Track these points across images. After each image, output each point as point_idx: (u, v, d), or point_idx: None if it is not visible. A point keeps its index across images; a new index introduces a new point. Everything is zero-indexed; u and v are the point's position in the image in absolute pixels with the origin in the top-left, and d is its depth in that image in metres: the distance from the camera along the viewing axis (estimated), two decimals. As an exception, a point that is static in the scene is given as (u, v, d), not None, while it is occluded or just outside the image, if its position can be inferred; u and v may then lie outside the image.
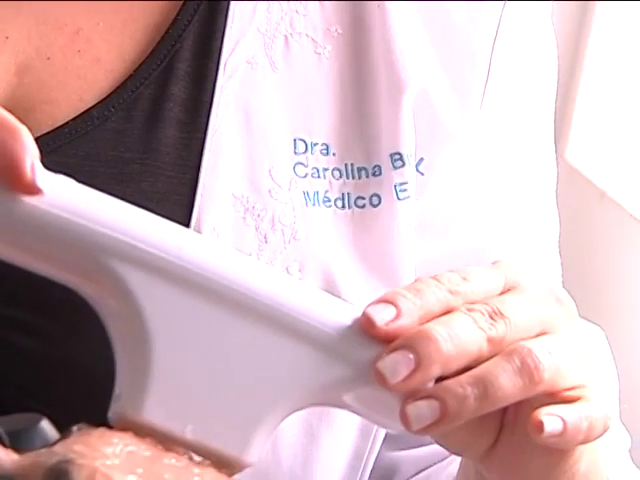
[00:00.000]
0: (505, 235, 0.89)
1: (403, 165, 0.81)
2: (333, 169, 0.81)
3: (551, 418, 0.59)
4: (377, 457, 0.84)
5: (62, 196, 0.59)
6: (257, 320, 0.59)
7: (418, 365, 0.57)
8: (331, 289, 0.78)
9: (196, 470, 0.55)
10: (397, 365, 0.57)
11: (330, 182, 0.81)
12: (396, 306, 0.58)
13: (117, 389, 0.58)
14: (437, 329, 0.58)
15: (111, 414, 0.57)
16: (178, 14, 0.81)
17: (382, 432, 0.84)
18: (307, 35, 0.82)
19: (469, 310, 0.60)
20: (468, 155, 0.85)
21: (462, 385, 0.58)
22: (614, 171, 1.87)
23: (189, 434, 0.56)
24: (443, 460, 0.86)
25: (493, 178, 0.88)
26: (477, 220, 0.87)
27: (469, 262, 0.81)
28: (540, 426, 0.58)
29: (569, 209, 1.06)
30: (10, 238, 0.59)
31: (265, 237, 0.79)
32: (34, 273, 0.60)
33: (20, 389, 0.81)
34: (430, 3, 0.84)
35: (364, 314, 0.58)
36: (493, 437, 0.64)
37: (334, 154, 0.81)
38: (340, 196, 0.81)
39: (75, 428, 0.54)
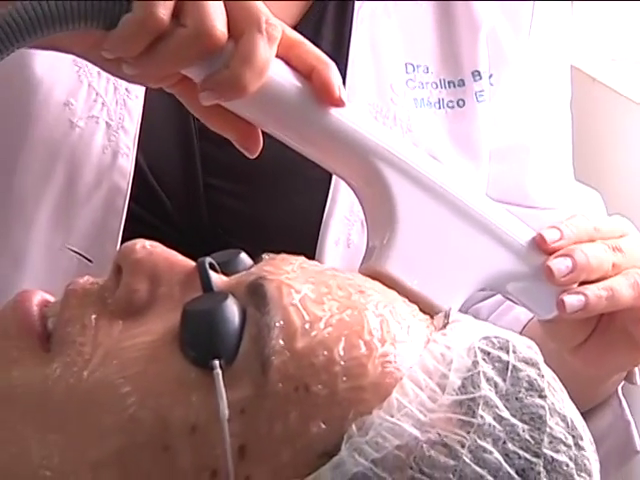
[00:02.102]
0: (540, 135, 1.02)
1: (480, 79, 0.96)
2: (432, 82, 0.95)
3: (577, 297, 0.72)
4: None
5: (353, 112, 0.71)
6: (470, 222, 0.71)
7: (573, 268, 0.71)
8: None
9: (352, 275, 0.61)
10: (561, 266, 0.71)
11: (430, 91, 0.95)
12: (561, 232, 0.73)
13: (368, 250, 0.70)
14: (586, 249, 0.72)
15: (363, 268, 0.68)
16: None
17: None
18: None
19: (602, 243, 0.74)
20: (520, 72, 0.98)
21: (599, 288, 0.72)
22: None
23: (415, 286, 0.66)
24: (503, 304, 0.99)
25: (535, 91, 1.01)
26: (523, 120, 1.00)
27: (517, 155, 1.00)
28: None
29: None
30: (307, 133, 0.70)
31: (390, 129, 0.91)
32: (243, 156, 0.73)
33: (226, 232, 0.91)
34: None
35: (539, 234, 0.72)
36: (586, 335, 0.76)
37: (432, 72, 0.95)
38: (437, 100, 0.95)
39: (264, 256, 0.60)
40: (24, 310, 0.59)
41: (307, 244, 0.91)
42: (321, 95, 0.68)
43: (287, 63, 0.69)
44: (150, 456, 0.53)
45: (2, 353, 0.58)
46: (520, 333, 0.86)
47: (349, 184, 0.73)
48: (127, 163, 0.88)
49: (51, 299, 0.61)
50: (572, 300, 0.72)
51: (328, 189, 0.91)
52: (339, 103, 0.68)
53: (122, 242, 0.87)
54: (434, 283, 0.67)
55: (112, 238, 0.89)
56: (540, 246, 0.73)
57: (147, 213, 0.90)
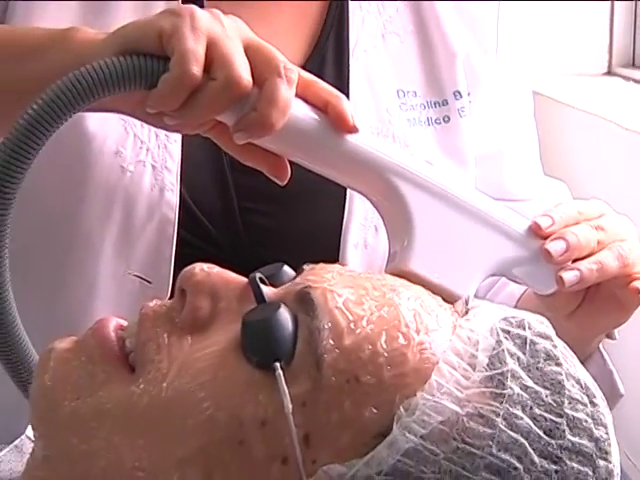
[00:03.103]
0: (512, 140, 1.00)
1: (461, 97, 0.93)
2: (420, 104, 0.92)
3: (573, 272, 0.71)
4: None
5: (365, 136, 0.68)
6: (475, 218, 0.70)
7: (567, 249, 0.70)
8: None
9: (381, 276, 0.60)
10: (557, 247, 0.70)
11: (420, 112, 0.92)
12: (552, 219, 0.72)
13: (391, 255, 0.68)
14: (575, 230, 0.72)
15: (389, 269, 0.67)
16: (323, 27, 0.91)
17: None
18: (395, 33, 0.92)
19: (587, 224, 0.73)
20: (492, 89, 0.96)
21: (590, 263, 0.72)
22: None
23: (436, 279, 0.64)
24: (498, 282, 0.95)
25: (504, 104, 0.98)
26: (498, 129, 0.98)
27: (495, 159, 0.98)
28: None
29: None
30: (329, 159, 0.68)
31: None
32: (269, 180, 0.70)
33: (261, 246, 0.88)
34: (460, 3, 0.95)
35: (534, 222, 0.72)
36: (578, 303, 0.75)
37: (420, 96, 0.92)
38: (426, 119, 0.92)
39: (305, 266, 0.58)
40: (104, 336, 0.56)
41: (330, 249, 0.88)
42: (337, 124, 0.66)
43: (305, 100, 0.66)
44: (228, 451, 0.51)
45: (90, 377, 0.55)
46: (515, 306, 0.86)
47: (369, 199, 0.71)
48: (173, 197, 0.86)
49: (124, 323, 0.58)
50: (569, 276, 0.71)
51: (344, 201, 0.88)
52: (354, 130, 0.66)
53: (175, 264, 0.86)
54: (451, 275, 0.65)
55: (166, 261, 0.86)
56: (536, 232, 0.71)
57: (193, 237, 0.87)
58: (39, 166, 0.80)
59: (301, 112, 0.66)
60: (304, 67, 0.86)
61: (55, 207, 0.86)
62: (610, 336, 0.82)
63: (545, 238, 0.71)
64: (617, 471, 0.56)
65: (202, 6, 0.82)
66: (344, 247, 0.88)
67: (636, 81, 1.74)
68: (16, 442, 0.64)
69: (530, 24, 1.02)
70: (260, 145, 0.67)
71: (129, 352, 0.56)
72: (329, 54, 0.91)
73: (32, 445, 0.60)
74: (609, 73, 1.86)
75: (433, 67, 0.93)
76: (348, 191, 0.89)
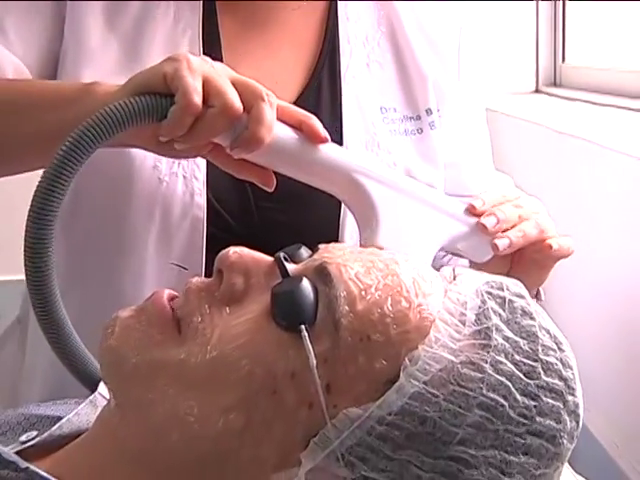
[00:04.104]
0: (471, 146, 0.98)
1: (432, 113, 0.90)
2: (399, 118, 0.89)
3: (504, 240, 0.72)
4: None
5: (333, 147, 0.68)
6: (424, 204, 0.71)
7: (497, 221, 0.72)
8: (409, 173, 0.86)
9: (384, 252, 0.57)
10: (489, 221, 0.72)
11: (399, 125, 0.89)
12: (483, 200, 0.74)
13: (362, 243, 0.68)
14: (502, 208, 0.74)
15: (362, 242, 0.68)
16: (319, 58, 0.88)
17: None
18: (377, 61, 0.90)
19: (509, 203, 0.74)
20: (456, 106, 0.94)
21: (515, 231, 0.73)
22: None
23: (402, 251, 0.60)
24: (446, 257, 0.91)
25: (465, 118, 0.96)
26: (460, 138, 0.95)
27: (458, 165, 0.95)
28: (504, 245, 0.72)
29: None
30: (307, 166, 0.68)
31: (377, 154, 0.87)
32: (279, 184, 0.70)
33: (273, 236, 0.80)
34: (428, 31, 0.92)
35: (470, 204, 0.73)
36: (507, 269, 0.76)
37: (398, 111, 0.90)
38: (404, 131, 0.89)
39: (320, 246, 0.57)
40: (161, 304, 0.55)
41: (330, 239, 0.83)
42: (311, 137, 0.67)
43: (282, 121, 0.66)
44: (264, 399, 0.50)
45: (148, 337, 0.54)
46: None
47: (340, 198, 0.72)
48: (201, 200, 0.84)
49: (176, 294, 0.57)
50: (501, 242, 0.72)
51: (340, 201, 0.84)
52: (324, 140, 0.67)
53: (206, 253, 0.84)
54: (411, 249, 0.64)
55: (198, 251, 0.84)
56: (472, 212, 0.73)
57: (218, 231, 0.85)
58: (94, 181, 0.81)
59: (281, 131, 0.66)
60: (304, 92, 0.87)
61: (106, 212, 0.84)
62: (537, 297, 0.80)
63: (479, 216, 0.72)
64: (581, 404, 0.55)
65: (221, 57, 0.84)
66: (342, 237, 0.85)
67: (558, 97, 1.74)
68: (90, 397, 0.63)
69: (483, 52, 1.02)
70: (250, 160, 0.67)
71: (179, 318, 0.55)
72: (324, 80, 0.89)
73: (103, 400, 0.60)
74: (537, 91, 1.86)
75: (409, 88, 0.91)
76: None
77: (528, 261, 0.75)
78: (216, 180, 0.83)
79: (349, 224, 0.85)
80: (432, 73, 0.91)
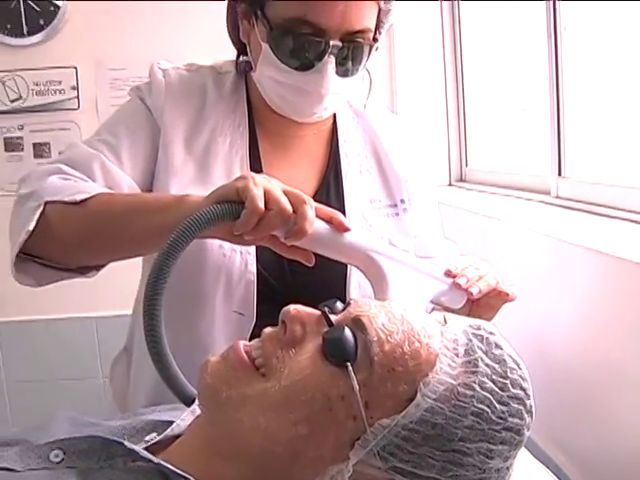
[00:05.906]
0: (428, 221, 0.93)
1: (404, 202, 0.88)
2: (382, 206, 0.86)
3: (476, 289, 0.69)
4: None
5: (355, 233, 0.66)
6: (419, 271, 0.67)
7: (469, 280, 0.69)
8: (391, 243, 0.83)
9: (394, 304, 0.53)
10: (462, 280, 0.69)
11: (383, 211, 0.86)
12: (456, 266, 0.70)
13: (377, 294, 0.64)
14: (469, 270, 0.70)
15: (376, 297, 0.63)
16: (327, 166, 0.85)
17: None
18: (366, 169, 0.87)
19: (472, 267, 0.71)
20: (417, 195, 0.90)
21: (482, 282, 0.70)
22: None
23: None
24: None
25: (424, 205, 0.92)
26: (420, 217, 0.90)
27: (422, 239, 0.89)
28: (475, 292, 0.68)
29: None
30: (336, 248, 0.66)
31: (370, 230, 0.83)
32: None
33: (302, 289, 0.75)
34: (390, 146, 0.88)
35: (447, 269, 0.69)
36: (468, 310, 0.71)
37: (381, 201, 0.87)
38: (386, 214, 0.86)
39: (351, 301, 0.54)
40: (239, 354, 0.52)
41: (340, 291, 0.82)
42: (338, 228, 0.65)
43: (317, 217, 0.64)
44: (322, 415, 0.48)
45: (237, 379, 0.51)
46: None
47: (359, 269, 0.68)
48: (253, 268, 0.80)
49: (248, 343, 0.53)
50: (474, 289, 0.69)
51: (346, 266, 0.82)
52: (348, 229, 0.65)
53: (257, 304, 0.80)
54: (411, 302, 0.60)
55: (251, 302, 0.80)
56: (449, 275, 0.70)
57: (264, 287, 0.81)
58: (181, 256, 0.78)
59: (318, 224, 0.64)
60: (318, 191, 0.84)
61: (186, 276, 0.79)
62: None
63: (454, 277, 0.70)
64: (534, 404, 0.52)
65: (261, 169, 0.82)
66: (348, 289, 0.82)
67: (466, 189, 1.72)
68: (191, 408, 0.59)
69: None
70: (296, 245, 0.65)
71: (255, 358, 0.52)
72: (331, 182, 0.86)
73: (198, 410, 0.56)
74: (450, 185, 1.83)
75: (388, 186, 0.89)
76: None
77: (484, 304, 0.72)
78: (262, 255, 0.81)
79: (354, 278, 0.83)
80: (403, 174, 0.90)
